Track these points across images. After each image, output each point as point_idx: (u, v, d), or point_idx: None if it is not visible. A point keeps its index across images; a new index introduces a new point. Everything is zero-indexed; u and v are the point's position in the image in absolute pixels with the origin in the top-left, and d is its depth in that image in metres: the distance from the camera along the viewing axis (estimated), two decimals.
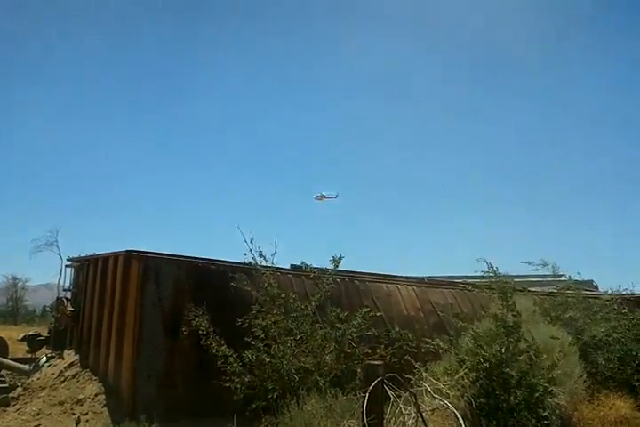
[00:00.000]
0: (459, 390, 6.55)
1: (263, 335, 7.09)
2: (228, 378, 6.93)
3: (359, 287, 10.25)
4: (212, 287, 8.41)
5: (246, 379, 6.91)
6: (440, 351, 7.79)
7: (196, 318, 7.34)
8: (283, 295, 7.53)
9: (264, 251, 7.99)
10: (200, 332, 7.23)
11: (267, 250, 8.00)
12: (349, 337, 7.48)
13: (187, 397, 7.93)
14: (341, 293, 9.35)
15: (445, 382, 6.65)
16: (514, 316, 7.18)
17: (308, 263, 8.50)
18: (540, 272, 11.21)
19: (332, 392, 6.31)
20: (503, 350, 6.70)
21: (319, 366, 7.06)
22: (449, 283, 12.93)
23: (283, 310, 7.39)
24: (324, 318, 7.67)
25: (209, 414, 7.64)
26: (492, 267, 8.29)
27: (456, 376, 6.72)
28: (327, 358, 7.12)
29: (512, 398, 6.31)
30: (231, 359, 6.98)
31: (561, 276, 11.71)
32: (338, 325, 7.48)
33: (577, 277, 11.38)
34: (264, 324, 7.13)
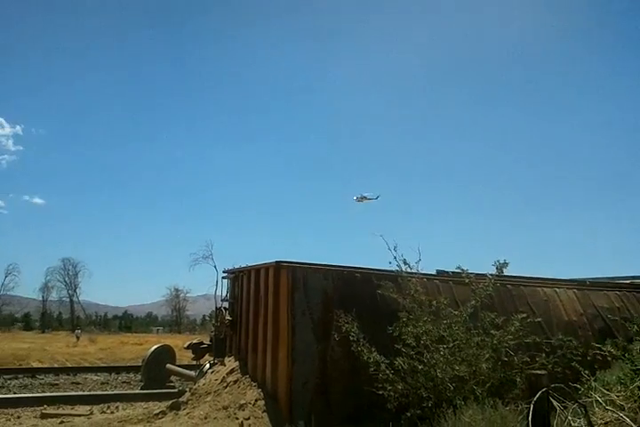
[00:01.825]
0: (635, 401, 5.91)
1: (414, 343, 6.96)
2: (380, 386, 6.88)
3: (512, 292, 9.72)
4: (358, 295, 8.43)
5: (399, 387, 6.82)
6: (609, 359, 7.12)
7: (346, 325, 7.39)
8: (434, 302, 7.36)
9: (408, 259, 7.92)
10: (351, 338, 7.27)
11: (410, 257, 7.92)
12: (506, 345, 7.10)
13: (341, 404, 7.99)
14: (493, 298, 8.92)
15: (619, 392, 6.05)
16: None
17: (465, 268, 8.22)
18: None
19: (491, 402, 6.01)
20: None
21: (475, 375, 6.77)
22: (614, 285, 11.84)
23: (432, 317, 7.20)
24: (478, 324, 7.35)
25: (363, 420, 7.63)
26: None
27: (631, 387, 6.08)
28: (483, 366, 6.80)
29: None
30: (383, 367, 6.93)
31: None
32: (493, 332, 7.14)
33: None
34: (415, 331, 6.99)
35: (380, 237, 7.92)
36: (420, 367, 6.74)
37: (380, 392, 6.83)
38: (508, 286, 9.77)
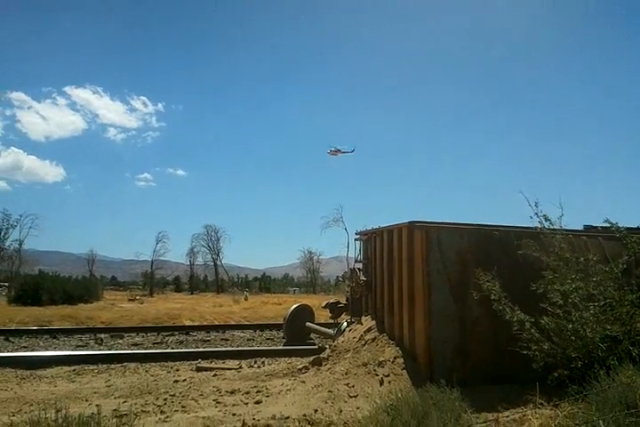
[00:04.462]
0: None
1: (562, 302, 6.63)
2: (524, 345, 6.68)
3: None
4: (496, 254, 8.14)
5: (545, 346, 6.57)
6: None
7: (487, 284, 7.20)
8: (581, 259, 6.92)
9: (549, 215, 7.50)
10: (492, 297, 7.08)
11: (552, 213, 7.49)
12: None
13: (482, 363, 7.87)
14: None
15: None
16: None
17: (614, 221, 7.63)
18: None
19: None
20: None
21: (629, 335, 6.34)
22: None
23: (581, 275, 6.79)
24: (633, 281, 6.84)
25: (506, 380, 7.48)
26: None
27: None
28: (638, 325, 6.35)
29: None
30: (527, 325, 6.70)
31: None
32: None
33: None
34: (563, 289, 6.65)
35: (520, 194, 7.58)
36: (569, 326, 6.44)
37: (525, 352, 6.63)
38: None
